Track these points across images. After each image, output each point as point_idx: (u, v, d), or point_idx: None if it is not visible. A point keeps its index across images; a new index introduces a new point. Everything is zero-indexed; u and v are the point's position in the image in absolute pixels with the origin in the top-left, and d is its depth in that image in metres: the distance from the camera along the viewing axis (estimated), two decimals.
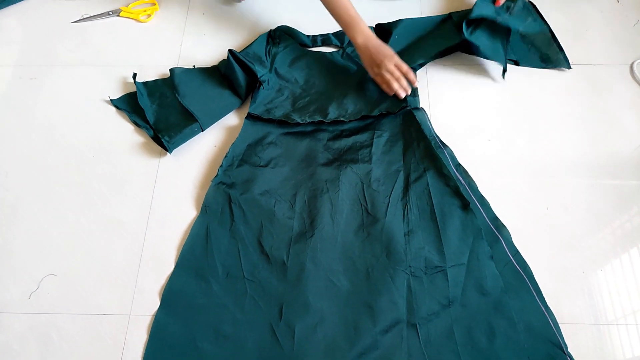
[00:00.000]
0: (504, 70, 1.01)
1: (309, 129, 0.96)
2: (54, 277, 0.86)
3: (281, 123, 0.97)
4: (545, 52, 1.04)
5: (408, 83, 0.96)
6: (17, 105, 1.04)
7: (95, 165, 0.96)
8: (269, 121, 0.97)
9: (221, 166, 0.92)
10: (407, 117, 0.96)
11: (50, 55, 1.10)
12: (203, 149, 0.97)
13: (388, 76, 0.95)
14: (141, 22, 1.14)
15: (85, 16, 1.15)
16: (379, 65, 0.95)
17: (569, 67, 1.02)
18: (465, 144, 0.94)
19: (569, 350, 0.77)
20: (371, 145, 0.94)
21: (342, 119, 0.95)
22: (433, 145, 0.91)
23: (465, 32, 0.99)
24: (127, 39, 1.12)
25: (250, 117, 0.97)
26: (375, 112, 0.95)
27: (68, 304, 0.84)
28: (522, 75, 1.03)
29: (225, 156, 0.93)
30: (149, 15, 1.14)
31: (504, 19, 1.00)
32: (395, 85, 0.94)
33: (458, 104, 1.00)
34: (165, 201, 0.92)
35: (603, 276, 0.83)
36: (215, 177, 0.91)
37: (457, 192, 0.87)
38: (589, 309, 0.81)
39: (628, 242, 0.86)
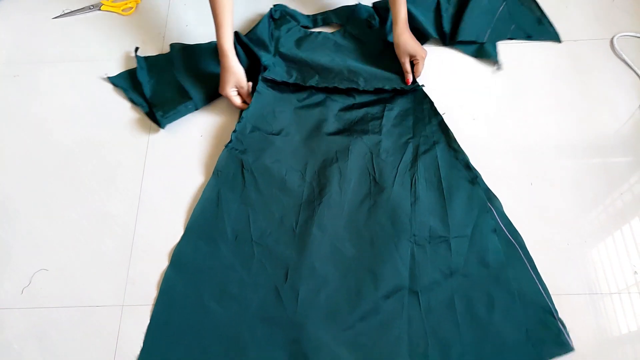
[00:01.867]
0: (498, 65, 1.02)
1: (321, 98, 0.98)
2: (45, 272, 0.86)
3: (295, 90, 0.98)
4: (531, 29, 1.05)
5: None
6: (1, 104, 1.04)
7: (83, 158, 0.96)
8: (284, 86, 0.98)
9: (234, 131, 0.93)
10: (418, 95, 0.98)
11: (33, 52, 1.10)
12: (191, 136, 0.98)
13: (419, 67, 0.98)
14: (123, 15, 1.14)
15: (66, 11, 1.14)
16: (411, 57, 0.98)
17: (559, 41, 1.03)
18: (450, 123, 0.95)
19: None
20: (382, 117, 0.95)
21: (355, 87, 0.97)
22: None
23: (445, 24, 1.03)
24: (110, 32, 1.11)
25: (265, 80, 0.98)
26: (388, 87, 0.97)
27: (61, 298, 0.84)
28: (504, 55, 1.03)
29: (239, 121, 0.94)
30: (131, 8, 1.14)
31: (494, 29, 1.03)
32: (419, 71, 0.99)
33: (442, 84, 1.01)
34: (153, 192, 0.93)
35: (592, 250, 0.84)
36: (228, 142, 0.92)
37: (466, 166, 0.89)
38: (579, 280, 0.82)
39: (618, 218, 0.87)
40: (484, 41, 1.03)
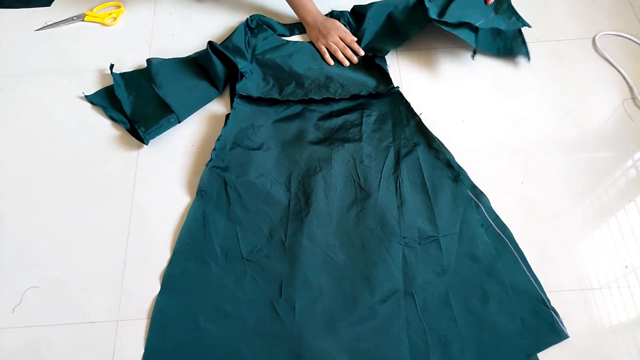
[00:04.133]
0: (474, 52, 1.04)
1: (298, 109, 0.98)
2: (36, 289, 0.84)
3: (271, 104, 0.98)
4: (510, 44, 1.04)
5: (353, 53, 1.04)
6: None
7: (72, 172, 0.95)
8: (260, 101, 0.98)
9: (214, 149, 0.92)
10: (394, 98, 0.98)
11: (17, 65, 1.08)
12: (179, 148, 0.97)
13: (333, 46, 1.03)
14: (107, 25, 1.12)
15: (49, 23, 1.12)
16: (325, 36, 1.03)
17: (529, 59, 1.03)
18: (440, 125, 0.96)
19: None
20: (361, 124, 0.96)
21: (331, 96, 0.98)
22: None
23: (432, 14, 1.00)
24: (94, 43, 1.10)
25: (241, 97, 0.98)
26: (364, 92, 0.98)
27: (53, 315, 0.82)
28: (489, 57, 1.05)
29: (218, 139, 0.93)
30: (115, 19, 1.13)
31: (489, 20, 1.02)
32: (340, 55, 1.03)
33: (430, 87, 1.02)
34: (146, 203, 0.91)
35: (582, 245, 0.86)
36: (209, 161, 0.91)
37: (447, 165, 0.90)
38: (571, 276, 0.83)
39: (605, 212, 0.88)
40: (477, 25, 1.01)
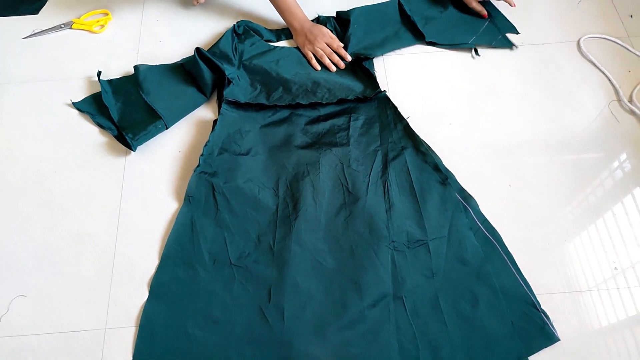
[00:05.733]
0: (476, 50, 1.06)
1: (285, 114, 0.98)
2: (23, 298, 0.84)
3: (259, 109, 0.98)
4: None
5: (340, 58, 1.05)
6: None
7: (58, 179, 0.94)
8: (247, 107, 0.98)
9: (202, 155, 0.92)
10: (381, 102, 0.99)
11: (4, 73, 1.08)
12: (167, 154, 0.97)
13: (320, 52, 1.04)
14: (95, 32, 1.13)
15: (36, 31, 1.12)
16: (312, 42, 1.04)
17: (511, 47, 1.07)
18: (427, 129, 0.96)
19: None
20: (348, 128, 0.96)
21: (319, 101, 0.98)
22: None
23: (425, 32, 1.07)
24: (82, 51, 1.10)
25: (228, 103, 0.98)
26: (351, 97, 0.98)
27: (41, 324, 0.82)
28: (475, 60, 1.06)
29: (206, 144, 0.93)
30: (103, 26, 1.13)
31: (478, 36, 1.07)
32: (327, 60, 1.04)
33: (417, 91, 1.02)
34: (133, 210, 0.91)
35: (570, 247, 0.86)
36: (197, 166, 0.91)
37: (435, 168, 0.90)
38: (560, 279, 0.83)
39: (592, 213, 0.89)
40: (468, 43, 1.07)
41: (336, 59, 1.04)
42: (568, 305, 0.81)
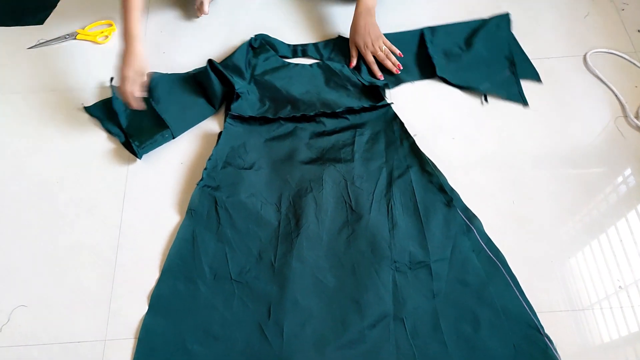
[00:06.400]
0: (485, 97, 1.02)
1: (290, 128, 0.97)
2: (24, 308, 0.84)
3: (263, 123, 0.98)
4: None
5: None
6: None
7: (60, 190, 0.95)
8: (251, 120, 0.98)
9: (205, 168, 0.92)
10: (388, 117, 0.98)
11: (8, 82, 1.08)
12: (170, 165, 0.97)
13: (380, 54, 1.03)
14: (99, 43, 1.13)
15: (41, 41, 1.13)
16: (366, 43, 1.03)
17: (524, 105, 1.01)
18: (430, 143, 0.95)
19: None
20: (353, 143, 0.95)
21: (324, 110, 0.97)
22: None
23: (437, 66, 1.03)
24: (86, 61, 1.11)
25: (232, 117, 0.97)
26: (357, 107, 0.97)
27: (41, 335, 0.82)
28: None
29: (209, 159, 0.93)
30: (107, 37, 1.14)
31: (493, 85, 1.02)
32: (389, 63, 1.02)
33: (419, 105, 1.02)
34: (134, 221, 0.91)
35: (573, 264, 0.85)
36: (200, 180, 0.91)
37: (440, 189, 0.89)
38: (563, 296, 0.82)
39: (596, 229, 0.88)
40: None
41: (395, 60, 1.03)
42: (570, 323, 0.80)
